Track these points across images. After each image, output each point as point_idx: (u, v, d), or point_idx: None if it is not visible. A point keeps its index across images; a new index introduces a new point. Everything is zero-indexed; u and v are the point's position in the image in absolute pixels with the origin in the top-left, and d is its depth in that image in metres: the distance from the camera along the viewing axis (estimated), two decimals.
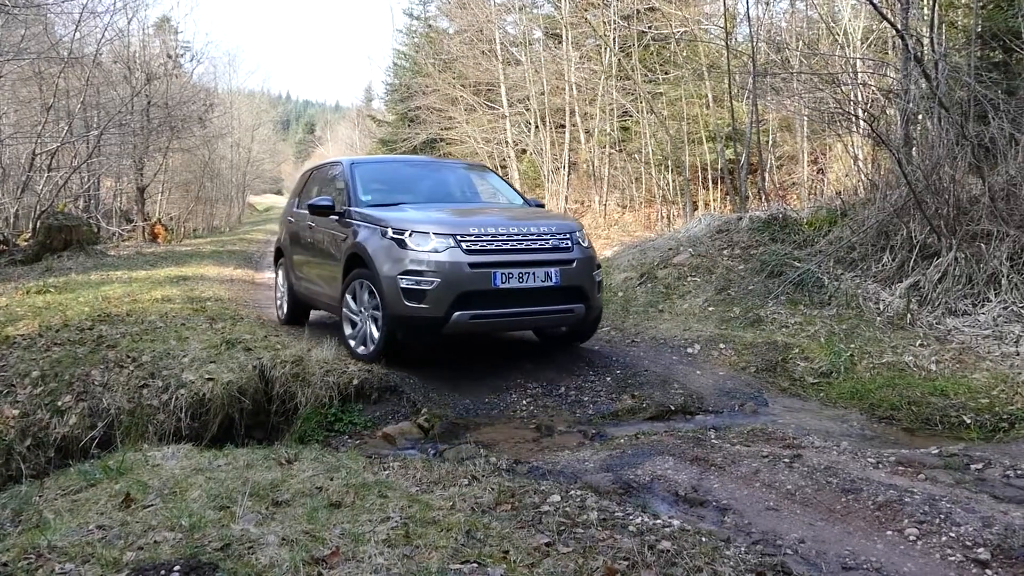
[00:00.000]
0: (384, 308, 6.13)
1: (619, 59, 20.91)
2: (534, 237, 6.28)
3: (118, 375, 6.35)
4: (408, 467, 4.48)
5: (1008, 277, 7.48)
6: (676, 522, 3.58)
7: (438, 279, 5.94)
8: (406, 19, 40.00)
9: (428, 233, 6.11)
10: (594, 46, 23.12)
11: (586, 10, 21.83)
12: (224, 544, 3.07)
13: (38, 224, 15.90)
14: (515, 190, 8.40)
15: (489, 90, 26.34)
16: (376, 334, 6.39)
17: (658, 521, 3.57)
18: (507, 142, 25.33)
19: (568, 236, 6.49)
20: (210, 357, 6.64)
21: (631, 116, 22.12)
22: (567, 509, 3.67)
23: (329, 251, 7.36)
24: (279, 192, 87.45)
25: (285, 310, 8.89)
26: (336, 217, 7.14)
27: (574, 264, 6.36)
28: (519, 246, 6.19)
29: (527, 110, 24.45)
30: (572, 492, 4.00)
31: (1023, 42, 9.37)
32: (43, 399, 6.10)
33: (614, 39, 21.23)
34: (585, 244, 6.68)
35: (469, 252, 6.02)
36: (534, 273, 6.13)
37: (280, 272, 9.19)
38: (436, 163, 9.13)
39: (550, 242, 6.33)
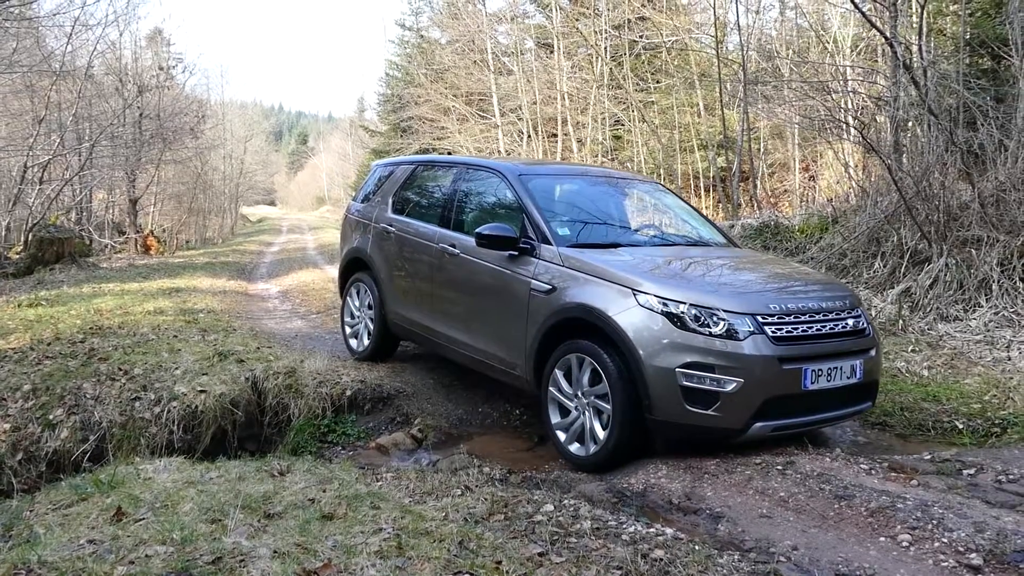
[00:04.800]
0: (649, 410, 4.47)
1: (610, 68, 21.01)
2: (834, 317, 4.72)
3: (110, 388, 6.33)
4: (401, 478, 4.47)
5: (999, 282, 7.52)
6: (669, 530, 3.58)
7: (740, 379, 4.31)
8: (398, 30, 40.09)
9: (716, 309, 4.44)
10: (585, 55, 23.21)
11: (577, 20, 21.95)
12: (216, 557, 3.05)
13: (30, 237, 15.85)
14: (703, 216, 6.70)
15: (481, 100, 26.42)
16: (600, 432, 4.69)
17: (651, 530, 3.57)
18: (499, 152, 25.38)
19: (860, 311, 4.95)
20: (202, 369, 6.63)
21: (623, 125, 22.21)
22: (560, 519, 3.66)
23: (493, 295, 5.55)
24: (272, 203, 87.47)
25: (367, 343, 7.07)
26: (515, 253, 5.32)
27: (873, 352, 4.89)
28: (824, 330, 4.64)
29: (519, 119, 24.51)
30: (566, 502, 4.00)
31: (1011, 49, 9.44)
32: (34, 413, 6.07)
33: (605, 48, 21.34)
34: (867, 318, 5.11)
35: (777, 341, 4.42)
36: (841, 368, 4.61)
37: (357, 293, 7.26)
38: (609, 178, 6.79)
39: (849, 322, 4.77)
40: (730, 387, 4.32)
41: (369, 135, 43.05)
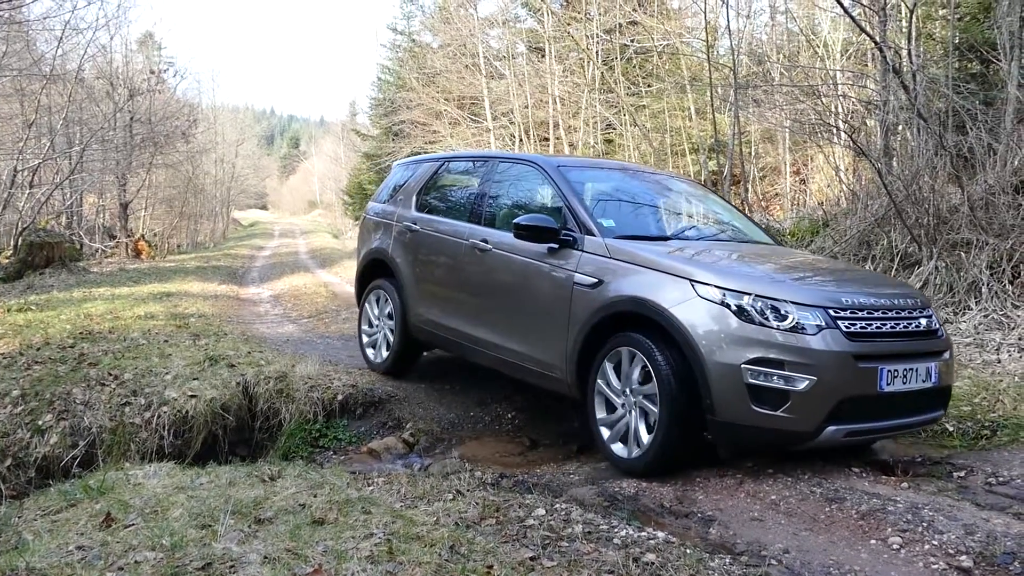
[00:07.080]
0: (710, 410, 4.11)
1: (602, 72, 21.03)
2: (907, 315, 4.42)
3: (100, 393, 6.29)
4: (392, 482, 4.46)
5: (988, 285, 7.55)
6: (661, 534, 3.57)
7: (813, 376, 3.96)
8: (390, 34, 40.04)
9: (783, 301, 4.11)
10: (577, 60, 23.25)
11: (569, 24, 21.97)
12: (206, 563, 3.04)
13: (19, 241, 15.79)
14: (750, 218, 6.45)
15: (473, 104, 26.44)
16: (645, 435, 4.37)
17: (643, 533, 3.57)
18: None
19: (931, 312, 4.65)
20: (193, 374, 6.60)
21: (615, 129, 22.24)
22: (552, 523, 3.66)
23: (530, 292, 5.19)
24: (264, 207, 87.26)
25: (386, 353, 6.70)
26: (555, 246, 4.98)
27: (946, 355, 4.57)
28: (898, 328, 4.33)
29: (511, 123, 24.53)
30: (557, 506, 3.99)
31: (999, 53, 9.50)
32: (23, 418, 6.04)
33: (597, 53, 21.37)
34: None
35: (851, 337, 4.09)
36: (916, 370, 4.27)
37: (376, 301, 6.84)
38: (646, 173, 6.43)
39: (922, 322, 4.46)
40: (802, 385, 3.97)
41: (361, 139, 42.96)
